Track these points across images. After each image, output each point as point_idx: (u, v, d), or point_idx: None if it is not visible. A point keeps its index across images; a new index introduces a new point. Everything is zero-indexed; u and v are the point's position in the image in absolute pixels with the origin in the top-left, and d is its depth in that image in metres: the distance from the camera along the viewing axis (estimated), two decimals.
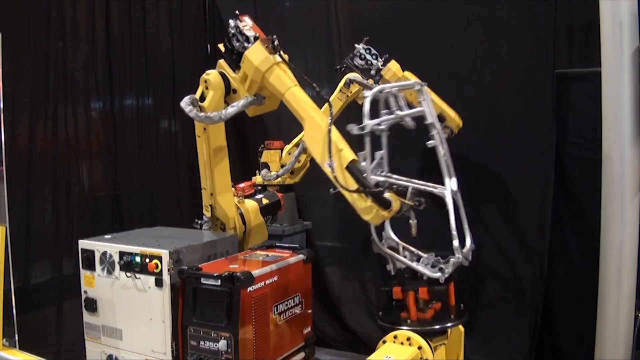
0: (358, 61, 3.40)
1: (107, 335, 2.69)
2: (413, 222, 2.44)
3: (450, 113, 3.39)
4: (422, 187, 2.44)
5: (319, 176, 2.51)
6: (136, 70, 4.39)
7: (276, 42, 2.47)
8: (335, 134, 2.28)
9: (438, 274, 2.32)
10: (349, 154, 2.25)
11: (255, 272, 2.45)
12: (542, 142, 3.48)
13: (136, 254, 2.55)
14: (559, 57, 3.43)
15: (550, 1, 3.37)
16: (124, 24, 4.27)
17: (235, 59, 2.61)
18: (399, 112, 2.41)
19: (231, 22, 2.58)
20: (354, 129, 2.31)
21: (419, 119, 2.49)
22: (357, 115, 2.69)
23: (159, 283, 2.48)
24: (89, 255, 2.70)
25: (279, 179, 3.68)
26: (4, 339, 3.30)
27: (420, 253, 2.55)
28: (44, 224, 3.71)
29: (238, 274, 2.34)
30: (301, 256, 2.85)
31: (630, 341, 2.84)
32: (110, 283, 2.65)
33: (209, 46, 4.98)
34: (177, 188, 4.66)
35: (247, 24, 2.57)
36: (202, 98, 2.72)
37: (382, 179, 2.31)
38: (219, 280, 2.37)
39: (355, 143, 2.35)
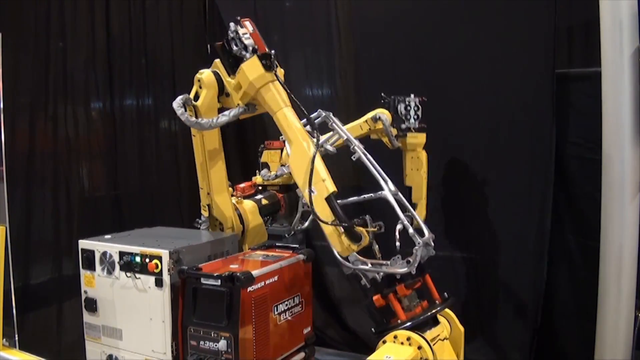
0: (401, 107, 3.22)
1: (107, 336, 2.68)
2: (375, 247, 2.52)
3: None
4: (363, 199, 2.58)
5: None
6: (136, 70, 4.39)
7: (273, 59, 2.49)
8: (320, 163, 2.35)
9: (406, 268, 2.35)
10: (330, 186, 2.32)
11: (255, 272, 2.44)
12: (542, 142, 3.47)
13: (136, 254, 2.54)
14: (559, 57, 3.42)
15: (550, 1, 3.37)
16: (124, 24, 4.27)
17: (231, 62, 2.60)
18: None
19: (232, 25, 2.55)
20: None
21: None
22: None
23: (159, 283, 2.48)
24: (89, 255, 2.69)
25: (279, 179, 3.67)
26: (4, 339, 3.30)
27: (387, 261, 2.57)
28: (44, 224, 3.71)
29: (238, 274, 2.33)
30: (301, 256, 2.84)
31: (630, 341, 2.84)
32: (110, 283, 2.64)
33: (209, 46, 4.98)
34: (177, 188, 4.65)
35: (247, 32, 2.53)
36: (197, 97, 2.72)
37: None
38: (219, 280, 2.36)
39: None
